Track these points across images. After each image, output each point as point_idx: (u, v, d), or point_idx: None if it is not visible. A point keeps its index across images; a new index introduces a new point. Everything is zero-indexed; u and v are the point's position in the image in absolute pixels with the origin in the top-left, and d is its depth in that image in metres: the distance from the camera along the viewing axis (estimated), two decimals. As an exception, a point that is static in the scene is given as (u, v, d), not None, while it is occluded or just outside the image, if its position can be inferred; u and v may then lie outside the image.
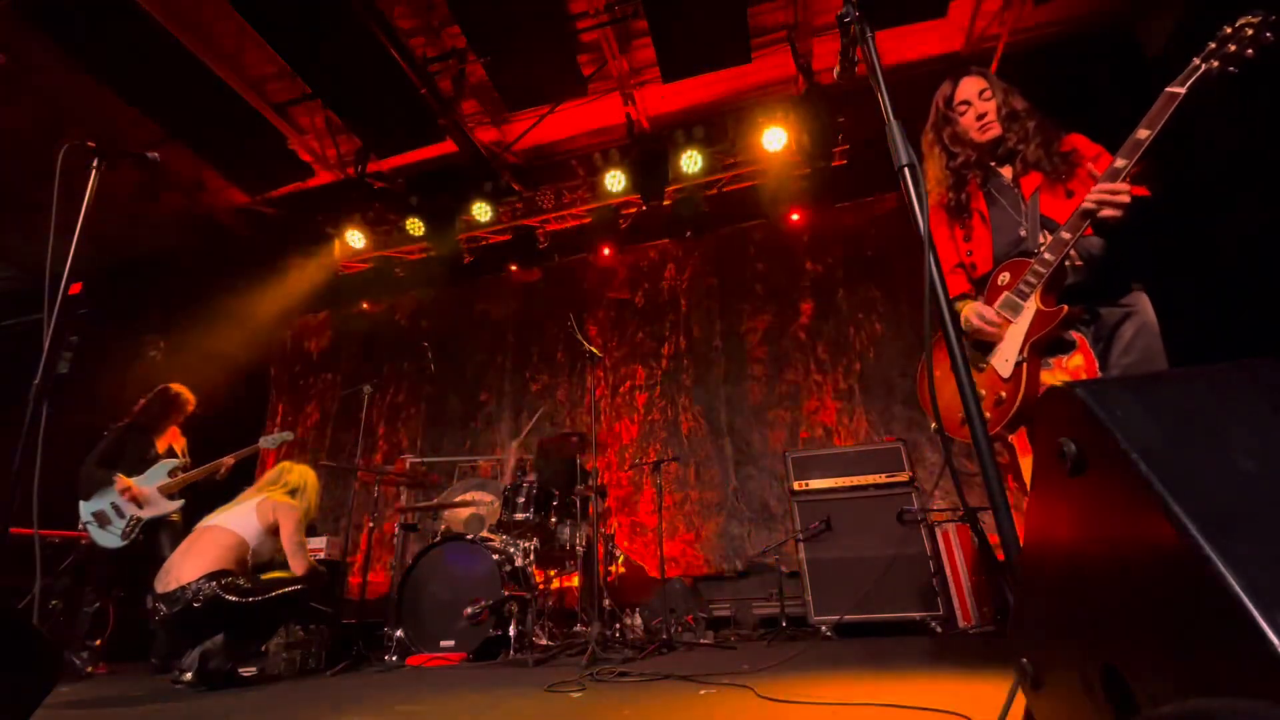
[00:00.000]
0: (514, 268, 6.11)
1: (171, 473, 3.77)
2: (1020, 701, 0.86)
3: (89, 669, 3.50)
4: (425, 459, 5.77)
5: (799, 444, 4.91)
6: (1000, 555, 0.97)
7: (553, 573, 3.91)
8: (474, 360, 6.36)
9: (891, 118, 1.26)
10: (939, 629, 3.42)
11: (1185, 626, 0.48)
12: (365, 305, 6.68)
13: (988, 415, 1.70)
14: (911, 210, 1.20)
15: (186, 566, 2.74)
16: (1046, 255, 1.63)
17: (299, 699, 2.42)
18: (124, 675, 3.49)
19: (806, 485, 3.92)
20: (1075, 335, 1.68)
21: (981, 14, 4.58)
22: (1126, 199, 1.50)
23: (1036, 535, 0.74)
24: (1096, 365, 1.64)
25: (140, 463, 3.77)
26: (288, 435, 4.31)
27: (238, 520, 2.98)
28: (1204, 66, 1.46)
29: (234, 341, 6.07)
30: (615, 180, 5.12)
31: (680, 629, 4.01)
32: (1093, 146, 1.77)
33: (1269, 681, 0.39)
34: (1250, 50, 1.38)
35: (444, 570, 3.50)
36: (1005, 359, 1.68)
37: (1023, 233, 1.77)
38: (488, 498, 4.41)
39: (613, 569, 4.11)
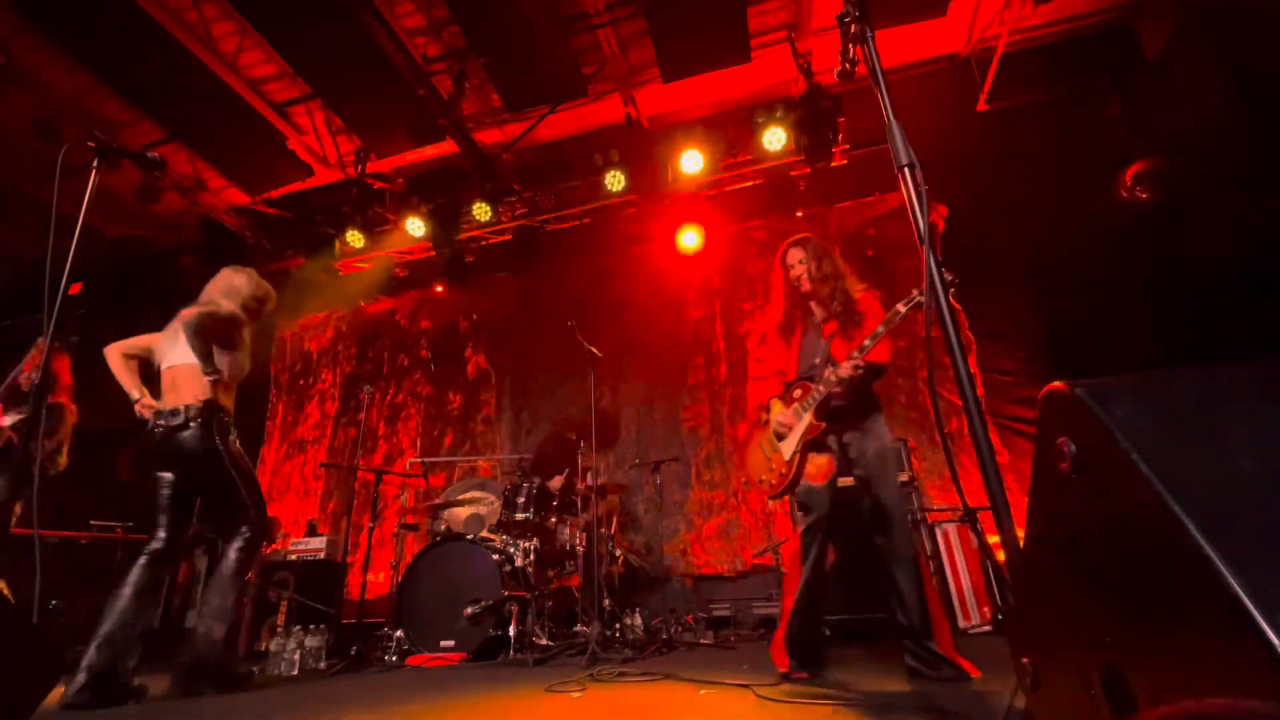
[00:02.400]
0: (513, 268, 6.11)
1: None
2: (1020, 701, 0.86)
3: None
4: (425, 459, 5.78)
5: (799, 444, 4.90)
6: (1000, 555, 0.97)
7: (553, 573, 3.91)
8: (474, 360, 6.35)
9: (891, 118, 1.26)
10: (939, 629, 3.41)
11: (1185, 626, 0.48)
12: (365, 305, 6.68)
13: (773, 481, 2.45)
14: (912, 210, 1.19)
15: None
16: (820, 388, 2.31)
17: (299, 699, 2.42)
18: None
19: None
20: (830, 440, 2.39)
21: (981, 14, 4.58)
22: (861, 372, 2.22)
23: (1036, 535, 0.74)
24: (835, 466, 2.36)
25: None
26: None
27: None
28: (901, 315, 2.19)
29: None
30: (615, 180, 5.12)
31: (680, 629, 4.01)
32: (878, 311, 2.39)
33: (1269, 681, 0.39)
34: (919, 305, 2.13)
35: (444, 570, 3.50)
36: (789, 449, 2.39)
37: (816, 361, 2.44)
38: (488, 498, 4.41)
39: (612, 569, 4.11)
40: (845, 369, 2.21)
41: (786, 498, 2.59)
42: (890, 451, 2.37)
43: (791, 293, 2.59)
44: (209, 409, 2.66)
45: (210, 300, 2.77)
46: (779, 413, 2.45)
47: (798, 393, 2.41)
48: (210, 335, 2.69)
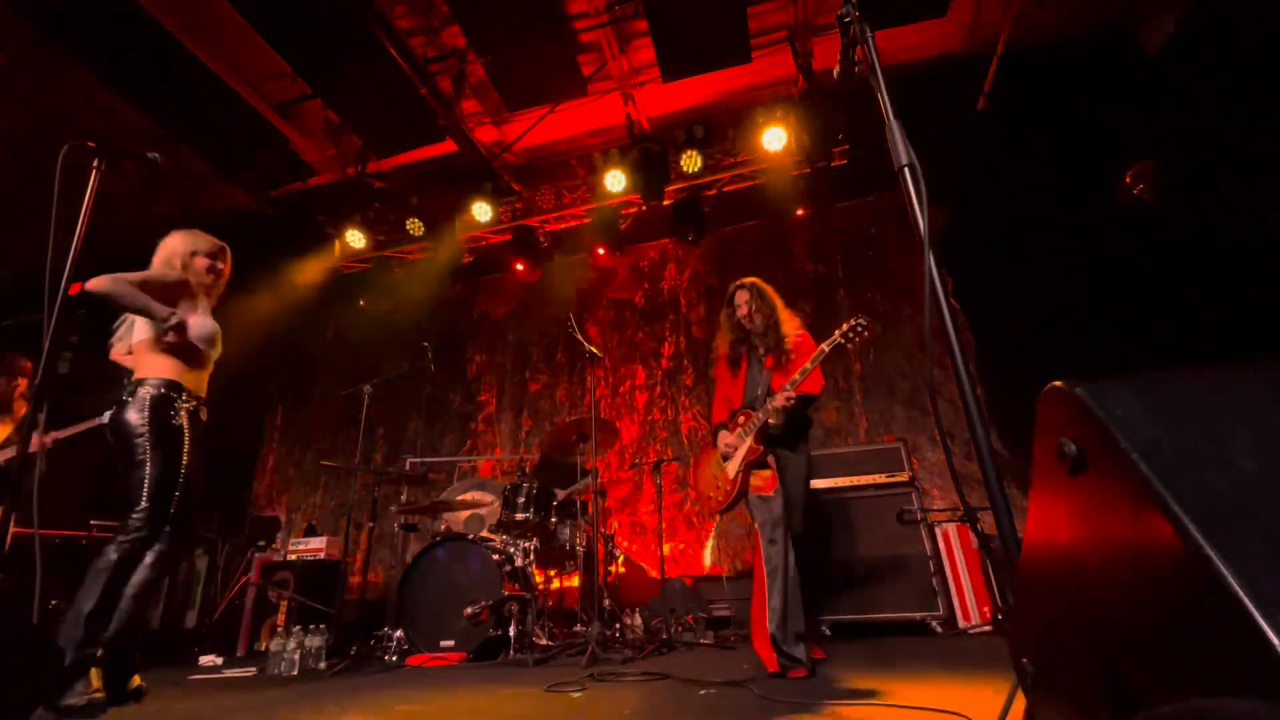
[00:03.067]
0: (514, 268, 6.11)
1: None
2: (1020, 701, 0.86)
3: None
4: (425, 459, 5.78)
5: (799, 444, 4.90)
6: (1000, 555, 0.97)
7: (553, 573, 3.91)
8: (474, 360, 6.36)
9: (891, 118, 1.26)
10: (939, 629, 3.41)
11: (1185, 626, 0.48)
12: (365, 305, 6.68)
13: (719, 497, 2.80)
14: (912, 210, 1.19)
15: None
16: (760, 415, 2.66)
17: (299, 699, 2.42)
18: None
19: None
20: (770, 460, 2.69)
21: (981, 14, 4.58)
22: (795, 403, 2.58)
23: (1036, 535, 0.74)
24: (777, 480, 2.63)
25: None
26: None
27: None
28: (842, 341, 2.56)
29: (233, 341, 6.06)
30: (615, 180, 5.12)
31: (680, 629, 4.01)
32: (808, 349, 2.68)
33: (1269, 681, 0.39)
34: (860, 339, 2.58)
35: (444, 570, 3.50)
36: (733, 468, 2.73)
37: (759, 392, 2.79)
38: (488, 498, 4.42)
39: (613, 569, 4.11)
40: (779, 400, 2.57)
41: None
42: (803, 475, 2.76)
43: (738, 328, 2.93)
44: (140, 381, 2.37)
45: (149, 270, 2.52)
46: (725, 436, 2.80)
47: (741, 419, 2.76)
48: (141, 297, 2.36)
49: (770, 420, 2.66)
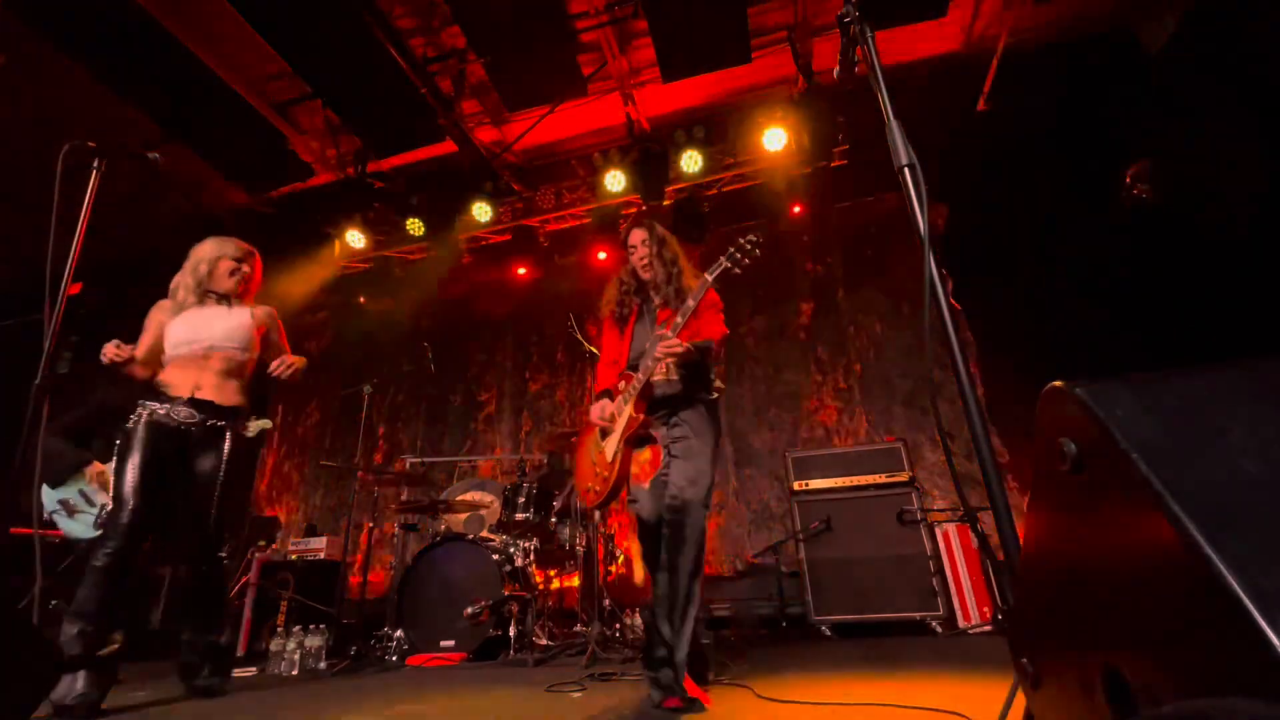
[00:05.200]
0: (514, 268, 6.11)
1: None
2: (1020, 701, 0.86)
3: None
4: (425, 459, 5.77)
5: (799, 444, 4.90)
6: (1000, 555, 0.97)
7: (553, 573, 3.91)
8: (474, 360, 6.36)
9: (891, 118, 1.26)
10: (939, 629, 3.42)
11: (1185, 626, 0.48)
12: (365, 305, 6.68)
13: (597, 487, 2.21)
14: (912, 210, 1.19)
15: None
16: (640, 376, 2.11)
17: (299, 699, 2.42)
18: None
19: (806, 485, 3.92)
20: (655, 434, 2.19)
21: (981, 14, 4.58)
22: (680, 349, 2.00)
23: (1036, 535, 0.74)
24: (662, 460, 2.14)
25: (108, 446, 3.30)
26: (266, 423, 4.07)
27: None
28: (727, 265, 2.05)
29: (234, 341, 6.06)
30: (615, 180, 5.12)
31: (680, 629, 4.00)
32: (715, 299, 2.27)
33: (1269, 681, 0.39)
34: (750, 259, 2.04)
35: (444, 570, 3.50)
36: (611, 447, 2.16)
37: (646, 347, 2.18)
38: (488, 498, 4.41)
39: (613, 569, 4.11)
40: (658, 349, 2.00)
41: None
42: (703, 452, 2.08)
43: (630, 276, 2.41)
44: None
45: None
46: (598, 408, 2.23)
47: (622, 383, 2.19)
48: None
49: (653, 380, 2.10)
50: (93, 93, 4.66)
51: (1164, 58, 4.23)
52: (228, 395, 2.60)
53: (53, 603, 3.51)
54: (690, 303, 2.05)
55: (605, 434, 2.19)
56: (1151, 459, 0.51)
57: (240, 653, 4.24)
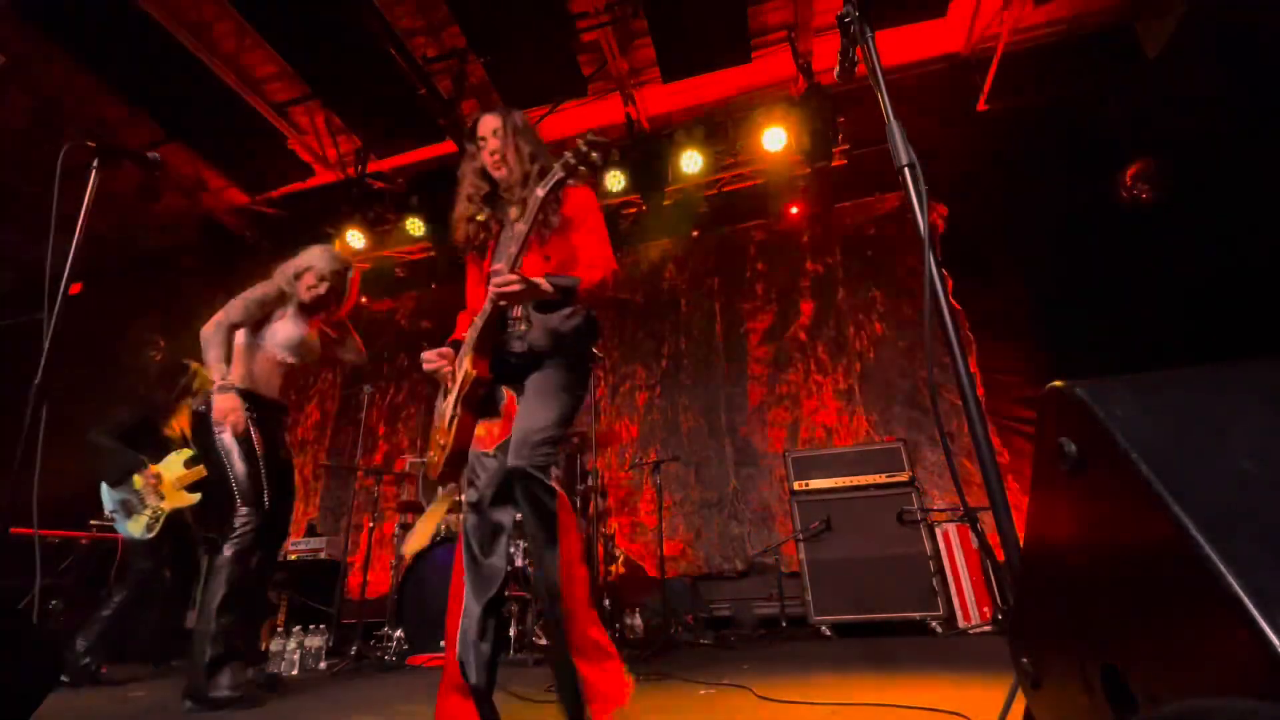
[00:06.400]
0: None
1: (188, 463, 3.38)
2: (1020, 701, 0.86)
3: (103, 669, 3.40)
4: (425, 459, 5.77)
5: (799, 444, 4.90)
6: (1000, 555, 0.98)
7: (553, 573, 3.90)
8: (474, 360, 6.35)
9: (891, 118, 1.26)
10: (939, 629, 3.41)
11: (1185, 626, 0.48)
12: (365, 305, 6.68)
13: (434, 458, 1.74)
14: (911, 210, 1.20)
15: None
16: (476, 321, 1.67)
17: (299, 699, 2.42)
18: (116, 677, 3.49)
19: (806, 485, 3.92)
20: (506, 393, 1.74)
21: (981, 14, 4.58)
22: (518, 288, 1.53)
23: (1036, 535, 0.74)
24: (508, 429, 1.66)
25: (157, 446, 3.42)
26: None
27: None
28: (561, 174, 1.60)
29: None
30: (615, 180, 5.12)
31: (680, 629, 4.01)
32: (591, 205, 1.83)
33: (1269, 681, 0.39)
34: (588, 163, 1.59)
35: (444, 570, 3.49)
36: (448, 409, 1.71)
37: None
38: (488, 498, 4.40)
39: (613, 569, 4.11)
40: (491, 287, 1.56)
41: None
42: (549, 407, 1.62)
43: (482, 179, 1.86)
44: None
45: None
46: (434, 353, 1.77)
47: (469, 333, 1.72)
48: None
49: (489, 323, 1.65)
50: (93, 93, 4.67)
51: (1164, 58, 4.23)
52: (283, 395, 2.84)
53: (52, 603, 3.50)
54: (521, 226, 1.59)
55: (445, 393, 1.75)
56: (1151, 459, 0.51)
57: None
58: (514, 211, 1.80)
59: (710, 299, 5.70)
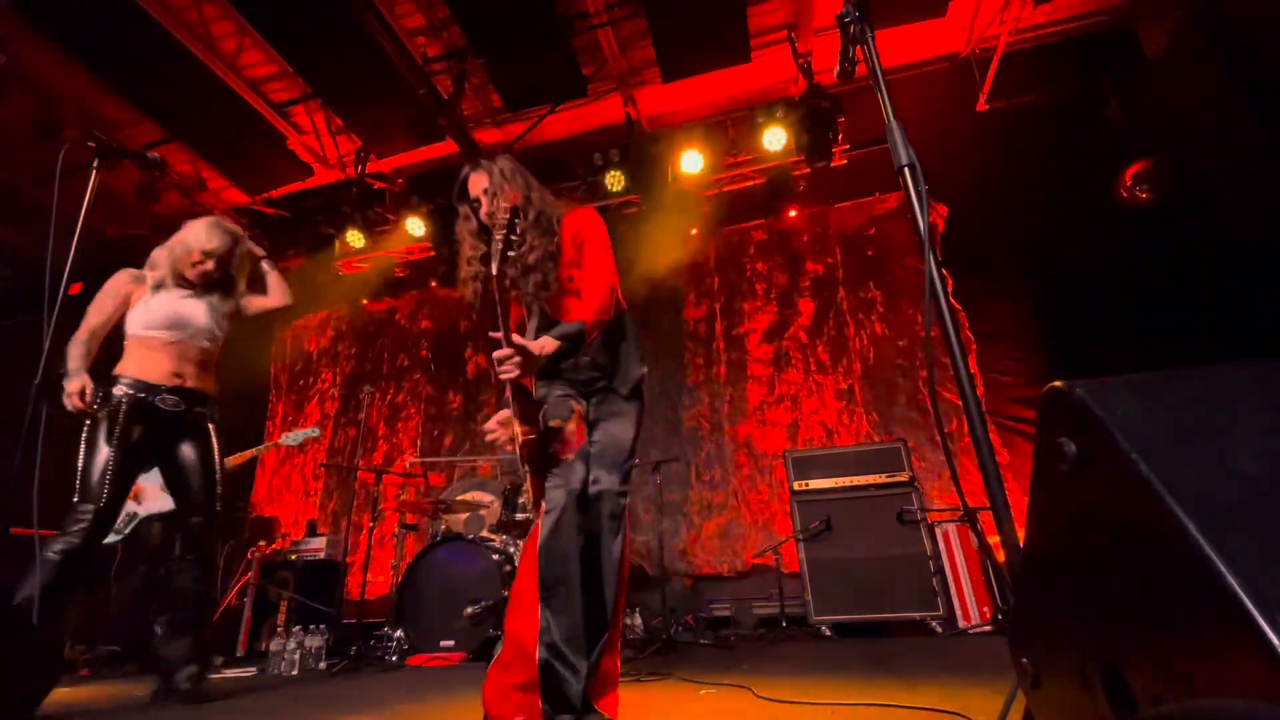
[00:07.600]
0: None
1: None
2: (1020, 701, 0.86)
3: (83, 671, 3.46)
4: (425, 459, 5.77)
5: (799, 444, 4.90)
6: (1000, 555, 0.98)
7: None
8: (474, 361, 6.35)
9: (891, 118, 1.26)
10: (939, 629, 3.41)
11: (1185, 627, 0.48)
12: (365, 305, 6.68)
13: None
14: (912, 210, 1.20)
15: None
16: (507, 393, 1.66)
17: (299, 699, 2.42)
18: (107, 677, 3.49)
19: (806, 485, 3.92)
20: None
21: (981, 14, 4.58)
22: (516, 372, 1.51)
23: (1036, 535, 0.74)
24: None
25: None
26: (313, 431, 4.07)
27: None
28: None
29: (233, 341, 6.07)
30: (615, 180, 5.12)
31: (680, 629, 4.01)
32: (590, 235, 1.85)
33: (1269, 681, 0.39)
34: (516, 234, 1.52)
35: (444, 570, 3.50)
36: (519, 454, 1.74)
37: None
38: (488, 498, 4.41)
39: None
40: (498, 372, 1.55)
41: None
42: (622, 424, 1.75)
43: (479, 245, 1.81)
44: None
45: None
46: (495, 427, 1.77)
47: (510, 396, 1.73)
48: None
49: (513, 392, 1.65)
50: (93, 93, 4.67)
51: (1163, 58, 4.23)
52: (207, 384, 2.67)
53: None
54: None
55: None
56: (1151, 459, 0.51)
57: (240, 653, 4.24)
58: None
59: (710, 299, 5.70)
